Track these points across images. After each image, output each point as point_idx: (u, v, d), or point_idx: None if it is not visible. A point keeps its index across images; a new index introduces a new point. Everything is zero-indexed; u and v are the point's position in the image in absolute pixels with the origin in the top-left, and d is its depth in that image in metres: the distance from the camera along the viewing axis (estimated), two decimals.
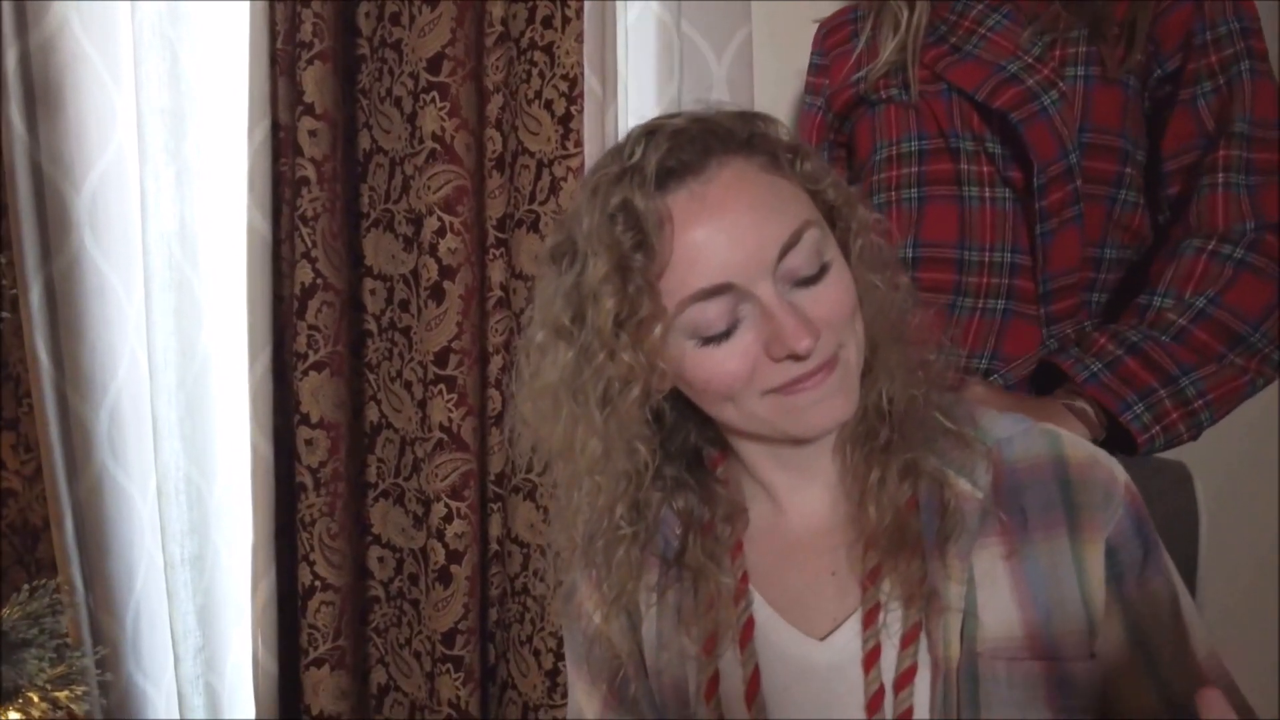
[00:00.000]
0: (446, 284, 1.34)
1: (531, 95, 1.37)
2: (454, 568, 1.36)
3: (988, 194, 1.06)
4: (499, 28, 1.34)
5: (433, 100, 1.32)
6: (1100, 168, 1.03)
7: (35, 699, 0.71)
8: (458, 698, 1.38)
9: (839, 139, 1.21)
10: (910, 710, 0.66)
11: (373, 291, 1.43)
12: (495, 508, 1.41)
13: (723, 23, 1.42)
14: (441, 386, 1.35)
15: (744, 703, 0.71)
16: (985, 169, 1.06)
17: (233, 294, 1.37)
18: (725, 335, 0.65)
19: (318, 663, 1.38)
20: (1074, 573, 0.67)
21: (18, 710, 0.71)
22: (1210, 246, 0.98)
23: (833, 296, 0.66)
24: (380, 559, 1.46)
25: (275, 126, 1.34)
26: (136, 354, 1.36)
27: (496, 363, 1.39)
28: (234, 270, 1.36)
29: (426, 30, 1.32)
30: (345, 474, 1.39)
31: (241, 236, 1.33)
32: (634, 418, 0.69)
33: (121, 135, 1.32)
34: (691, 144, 0.65)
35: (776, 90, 1.44)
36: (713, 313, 0.64)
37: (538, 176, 1.37)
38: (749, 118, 0.69)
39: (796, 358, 0.64)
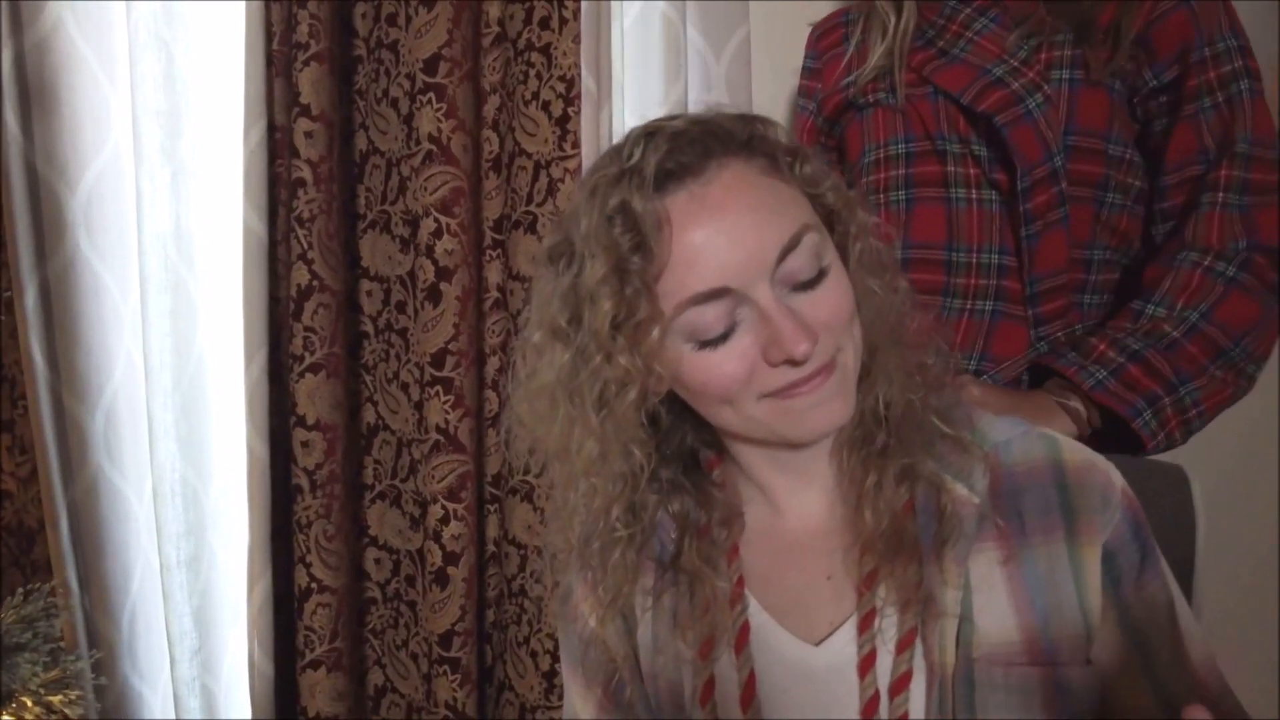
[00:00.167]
0: (443, 285, 1.34)
1: (529, 96, 1.37)
2: (451, 569, 1.36)
3: (974, 195, 1.07)
4: (496, 29, 1.34)
5: (429, 101, 1.32)
6: (1086, 170, 1.03)
7: (29, 704, 0.71)
8: (455, 699, 1.38)
9: (829, 143, 1.22)
10: (906, 715, 0.66)
11: (369, 293, 1.43)
12: (492, 509, 1.41)
13: (722, 22, 1.42)
14: (438, 388, 1.35)
15: (740, 707, 0.70)
16: (972, 171, 1.06)
17: (228, 295, 1.37)
18: (723, 338, 0.65)
19: (314, 664, 1.37)
20: (1071, 577, 0.67)
21: (11, 715, 0.71)
22: (1206, 262, 1.00)
23: (831, 300, 0.65)
24: (377, 560, 1.45)
25: (271, 127, 1.33)
26: (132, 355, 1.35)
27: (493, 364, 1.39)
28: (230, 272, 1.35)
29: (423, 31, 1.32)
30: (342, 475, 1.39)
31: (237, 238, 1.32)
32: (630, 420, 0.68)
33: (117, 136, 1.32)
34: (691, 146, 0.64)
35: (774, 89, 1.44)
36: (711, 316, 0.64)
37: (535, 178, 1.37)
38: (749, 120, 0.68)
39: (794, 362, 0.63)
